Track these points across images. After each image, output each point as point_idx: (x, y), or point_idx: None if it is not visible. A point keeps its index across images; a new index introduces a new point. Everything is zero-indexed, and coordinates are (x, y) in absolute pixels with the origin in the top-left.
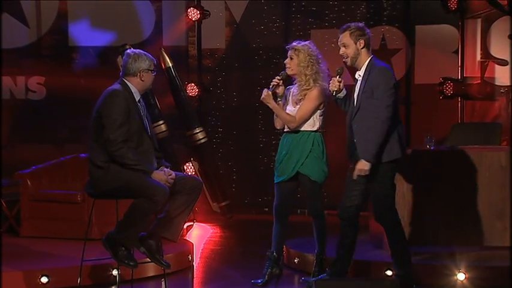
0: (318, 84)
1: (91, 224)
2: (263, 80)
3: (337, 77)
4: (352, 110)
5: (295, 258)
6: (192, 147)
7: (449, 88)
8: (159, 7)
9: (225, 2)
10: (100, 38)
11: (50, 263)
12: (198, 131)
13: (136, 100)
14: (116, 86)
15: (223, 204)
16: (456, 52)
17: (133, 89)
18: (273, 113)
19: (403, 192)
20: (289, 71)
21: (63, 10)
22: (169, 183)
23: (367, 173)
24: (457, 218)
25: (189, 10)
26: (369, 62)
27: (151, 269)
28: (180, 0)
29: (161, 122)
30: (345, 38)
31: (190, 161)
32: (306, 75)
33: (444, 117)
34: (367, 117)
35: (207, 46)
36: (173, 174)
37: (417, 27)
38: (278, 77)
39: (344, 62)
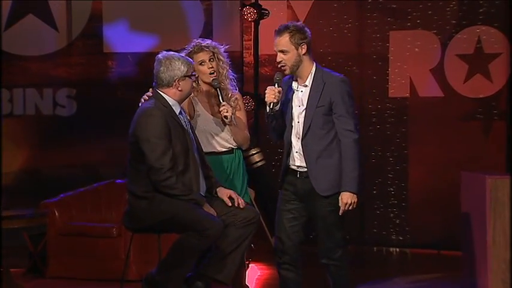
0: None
1: (129, 262)
2: None
3: (276, 85)
4: (295, 127)
5: None
6: (247, 171)
7: None
8: (209, 6)
9: (287, 0)
10: (140, 43)
11: None
12: (254, 152)
13: (177, 113)
14: (150, 102)
15: None
16: None
17: (171, 102)
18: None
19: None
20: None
21: (98, 11)
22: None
23: (355, 205)
24: None
25: (244, 9)
26: (316, 70)
27: None
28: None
29: (254, 151)
30: (284, 42)
31: (246, 188)
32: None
33: None
34: (323, 137)
35: (265, 52)
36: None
37: None
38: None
39: (282, 70)
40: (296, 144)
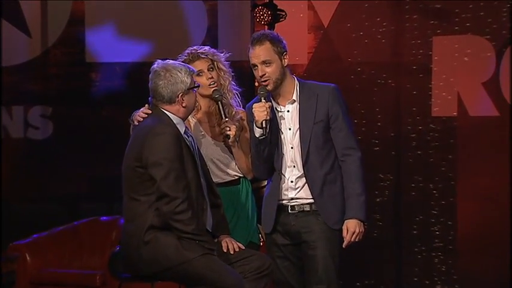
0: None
1: None
2: (362, 109)
3: (263, 100)
4: (287, 154)
5: None
6: (258, 206)
7: None
8: (214, 7)
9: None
10: (130, 52)
11: None
12: (266, 184)
13: (182, 133)
14: (155, 119)
15: None
16: None
17: (175, 120)
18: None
19: None
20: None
21: (79, 13)
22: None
23: (361, 236)
24: None
25: (256, 10)
26: (300, 83)
27: None
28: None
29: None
30: (266, 51)
31: (256, 226)
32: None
33: None
34: (325, 159)
35: None
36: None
37: None
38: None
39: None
40: (291, 173)
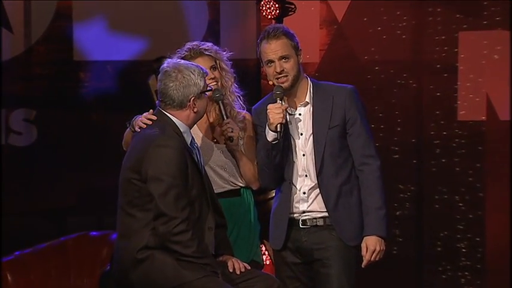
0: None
1: None
2: (380, 112)
3: (278, 101)
4: (299, 163)
5: None
6: (263, 220)
7: None
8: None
9: None
10: (122, 49)
11: None
12: (274, 195)
13: (188, 143)
14: (159, 128)
15: None
16: None
17: (182, 128)
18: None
19: None
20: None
21: (66, 6)
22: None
23: (382, 255)
24: None
25: (262, 3)
26: (313, 84)
27: None
28: None
29: (274, 194)
30: (284, 46)
31: (263, 242)
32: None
33: None
34: (341, 168)
35: None
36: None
37: None
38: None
39: (279, 84)
40: (302, 183)
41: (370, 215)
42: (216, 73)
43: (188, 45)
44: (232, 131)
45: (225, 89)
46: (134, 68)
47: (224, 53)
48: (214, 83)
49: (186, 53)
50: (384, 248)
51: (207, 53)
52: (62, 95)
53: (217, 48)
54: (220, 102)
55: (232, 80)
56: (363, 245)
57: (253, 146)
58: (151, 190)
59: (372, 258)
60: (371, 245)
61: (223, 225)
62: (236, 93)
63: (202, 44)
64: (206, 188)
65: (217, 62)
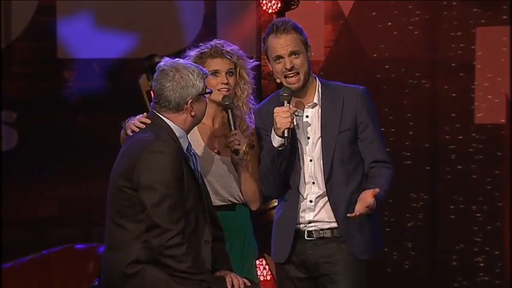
0: None
1: None
2: (390, 114)
3: (286, 104)
4: (306, 168)
5: None
6: (264, 232)
7: None
8: None
9: None
10: (110, 46)
11: None
12: (276, 204)
13: (184, 149)
14: (153, 132)
15: None
16: None
17: (178, 133)
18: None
19: None
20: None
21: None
22: None
23: (367, 213)
24: None
25: None
26: (321, 84)
27: None
28: None
29: (276, 203)
30: (294, 41)
31: (263, 256)
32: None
33: None
34: (351, 175)
35: None
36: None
37: None
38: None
39: (289, 84)
40: (309, 191)
41: (375, 184)
42: (232, 79)
43: (212, 41)
44: (239, 144)
45: (238, 99)
46: (123, 66)
47: (250, 61)
48: (226, 89)
49: (207, 50)
50: (369, 211)
51: (227, 55)
52: (45, 96)
53: (242, 54)
54: (229, 111)
55: (250, 92)
56: (360, 198)
57: (256, 163)
58: (144, 199)
59: (361, 211)
60: (369, 199)
61: (220, 238)
62: (250, 105)
63: (228, 45)
64: (203, 198)
65: (237, 68)
